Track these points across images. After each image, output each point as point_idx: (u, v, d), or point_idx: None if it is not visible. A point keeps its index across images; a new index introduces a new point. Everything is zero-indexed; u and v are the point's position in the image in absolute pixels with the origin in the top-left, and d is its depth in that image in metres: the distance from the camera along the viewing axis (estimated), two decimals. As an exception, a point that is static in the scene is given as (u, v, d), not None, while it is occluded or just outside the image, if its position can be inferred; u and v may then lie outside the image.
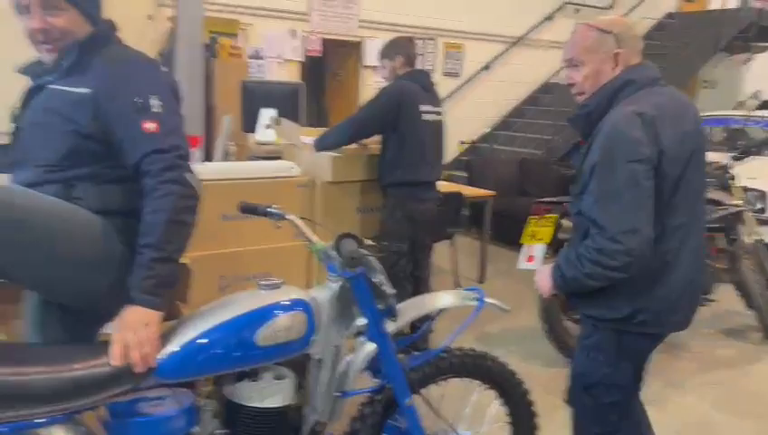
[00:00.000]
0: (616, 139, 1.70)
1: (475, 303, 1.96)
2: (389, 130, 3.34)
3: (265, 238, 3.34)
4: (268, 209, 1.91)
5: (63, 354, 1.43)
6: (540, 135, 7.87)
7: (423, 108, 3.34)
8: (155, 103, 1.58)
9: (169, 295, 1.61)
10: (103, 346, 1.47)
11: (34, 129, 1.63)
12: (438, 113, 3.46)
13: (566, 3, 8.81)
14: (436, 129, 3.45)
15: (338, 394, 1.81)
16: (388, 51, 3.45)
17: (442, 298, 1.95)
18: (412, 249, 3.45)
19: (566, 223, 3.10)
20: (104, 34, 1.70)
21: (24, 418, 1.35)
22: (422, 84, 3.39)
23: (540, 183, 6.39)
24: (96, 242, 1.57)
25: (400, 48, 3.45)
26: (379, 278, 1.71)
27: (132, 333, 1.45)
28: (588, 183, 1.75)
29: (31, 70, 1.72)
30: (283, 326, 1.62)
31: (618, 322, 1.82)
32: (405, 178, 3.34)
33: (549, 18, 8.78)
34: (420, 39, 7.93)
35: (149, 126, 1.55)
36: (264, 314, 1.61)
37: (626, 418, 1.94)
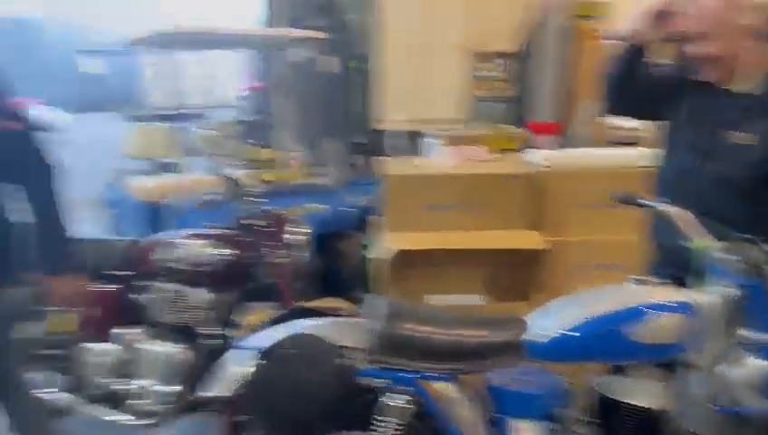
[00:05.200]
0: None
1: None
2: None
3: (615, 229, 3.22)
4: (639, 200, 1.82)
5: (462, 323, 1.63)
6: None
7: None
8: None
9: None
10: (492, 322, 1.63)
11: None
12: None
13: None
14: None
15: (715, 408, 1.66)
16: None
17: None
18: None
19: None
20: None
21: (427, 370, 1.59)
22: None
23: None
24: None
25: None
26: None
27: None
28: None
29: None
30: (662, 326, 1.55)
31: None
32: None
33: None
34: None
35: None
36: (643, 312, 1.56)
37: None
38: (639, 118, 2.55)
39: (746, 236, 1.52)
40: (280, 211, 2.53)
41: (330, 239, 4.18)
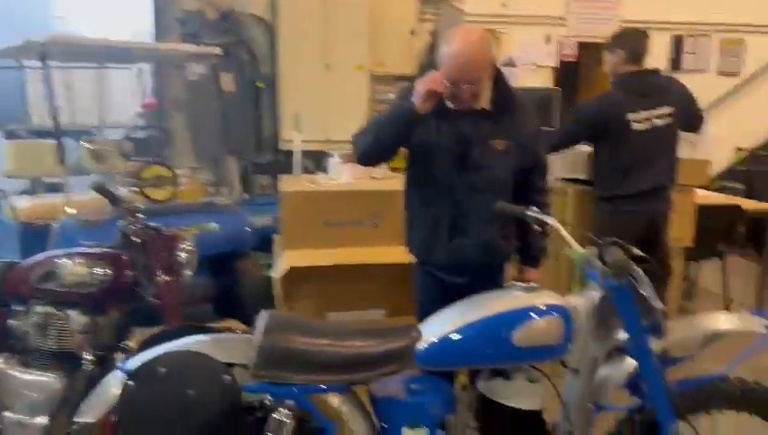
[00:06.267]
0: None
1: (764, 330, 1.72)
2: (595, 143, 3.16)
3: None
4: (527, 212, 1.91)
5: (348, 333, 1.62)
6: None
7: (633, 116, 3.02)
8: None
9: None
10: (383, 332, 1.63)
11: None
12: (662, 116, 3.05)
13: None
14: (658, 135, 3.06)
15: (592, 407, 1.74)
16: (611, 44, 3.17)
17: (721, 320, 1.75)
18: None
19: None
20: None
21: (312, 382, 1.56)
22: (637, 90, 3.06)
23: None
24: None
25: (623, 42, 3.12)
26: (647, 291, 1.60)
27: None
28: None
29: None
30: (539, 330, 1.61)
31: None
32: (611, 193, 3.10)
33: None
34: (691, 36, 7.21)
35: None
36: (521, 315, 1.62)
37: None
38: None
39: (612, 239, 1.61)
40: (165, 229, 2.42)
41: (229, 260, 4.07)
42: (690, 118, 3.21)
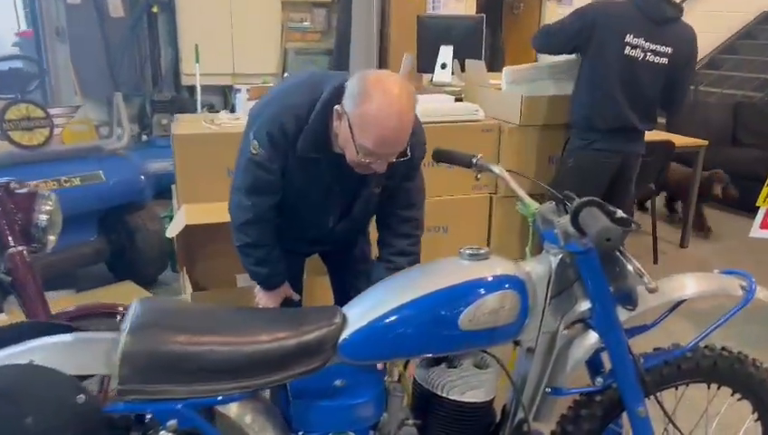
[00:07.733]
0: None
1: (739, 293, 1.48)
2: (581, 55, 2.84)
3: (441, 188, 3.04)
4: (473, 160, 1.56)
5: (251, 321, 1.24)
6: (761, 74, 6.63)
7: (631, 40, 2.72)
8: None
9: None
10: (296, 318, 1.26)
11: None
12: (659, 53, 2.75)
13: None
14: (653, 70, 2.76)
15: (549, 391, 1.47)
16: None
17: (694, 283, 1.49)
18: None
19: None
20: None
21: (202, 394, 1.17)
22: (648, 14, 2.71)
23: (761, 132, 5.36)
24: None
25: None
26: (633, 264, 1.28)
27: None
28: None
29: None
30: (490, 308, 1.30)
31: None
32: (583, 122, 2.83)
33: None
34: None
35: None
36: (468, 292, 1.30)
37: None
38: None
39: (590, 199, 1.27)
40: (17, 185, 1.90)
41: (121, 213, 3.55)
42: (678, 81, 2.84)
